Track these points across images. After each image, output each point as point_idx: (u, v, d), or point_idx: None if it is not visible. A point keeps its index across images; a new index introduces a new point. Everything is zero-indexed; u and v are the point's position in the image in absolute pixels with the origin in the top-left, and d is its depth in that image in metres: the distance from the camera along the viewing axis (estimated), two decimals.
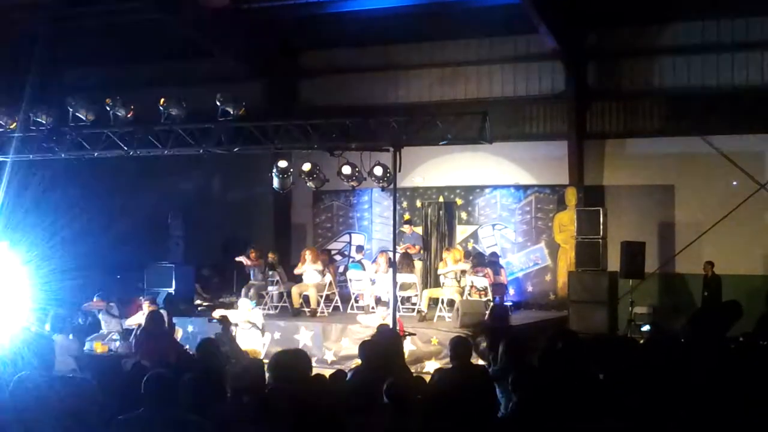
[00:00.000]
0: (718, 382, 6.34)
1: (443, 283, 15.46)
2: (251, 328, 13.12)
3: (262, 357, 12.33)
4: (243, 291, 16.10)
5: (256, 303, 15.05)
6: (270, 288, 16.54)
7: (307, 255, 16.14)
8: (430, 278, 17.34)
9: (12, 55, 19.06)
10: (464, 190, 18.46)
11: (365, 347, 8.01)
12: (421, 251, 17.27)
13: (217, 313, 12.85)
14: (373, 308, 15.11)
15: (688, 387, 6.22)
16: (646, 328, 15.47)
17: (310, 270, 15.93)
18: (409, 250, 16.36)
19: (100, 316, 14.57)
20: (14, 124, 14.41)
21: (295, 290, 15.94)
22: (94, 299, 14.80)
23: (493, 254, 17.16)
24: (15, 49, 19.08)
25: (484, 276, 15.46)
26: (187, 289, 17.22)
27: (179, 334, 14.01)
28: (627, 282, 16.30)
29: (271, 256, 16.95)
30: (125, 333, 13.97)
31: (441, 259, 16.35)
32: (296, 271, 16.26)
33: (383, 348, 7.43)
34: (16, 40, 18.94)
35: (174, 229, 17.52)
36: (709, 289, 16.47)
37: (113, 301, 14.89)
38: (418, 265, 16.55)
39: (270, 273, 16.63)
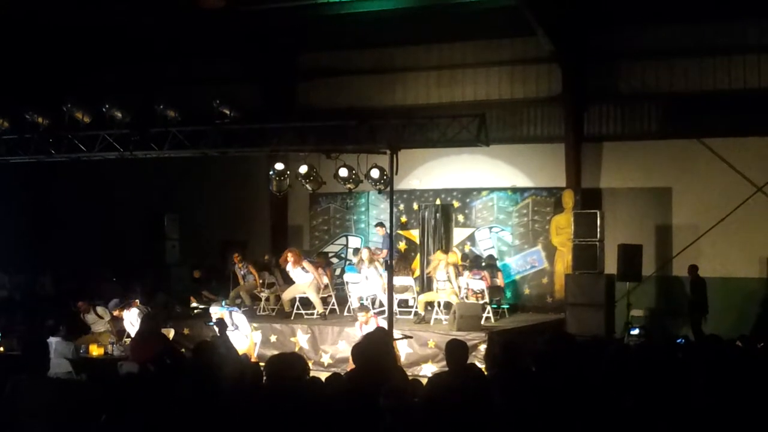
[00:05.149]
0: (715, 385, 6.32)
1: (437, 288, 15.37)
2: (234, 330, 13.02)
3: (255, 359, 12.30)
4: (231, 294, 16.14)
5: (242, 306, 14.94)
6: (266, 291, 16.49)
7: (289, 257, 15.86)
8: (424, 282, 17.23)
9: (9, 56, 19.05)
10: (461, 192, 18.44)
11: (355, 352, 7.97)
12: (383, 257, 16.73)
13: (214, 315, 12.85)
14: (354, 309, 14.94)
15: (685, 390, 6.20)
16: (635, 331, 15.48)
17: (295, 272, 15.72)
18: (376, 255, 16.19)
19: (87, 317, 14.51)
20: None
21: (286, 294, 15.79)
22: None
23: (490, 257, 17.14)
24: (12, 50, 19.07)
25: (481, 279, 15.43)
26: (183, 291, 17.19)
27: (170, 334, 13.99)
28: (624, 285, 16.29)
29: (266, 258, 16.87)
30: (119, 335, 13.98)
31: (433, 260, 16.05)
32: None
33: (373, 352, 7.38)
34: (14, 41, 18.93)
35: (170, 231, 17.50)
36: (695, 293, 16.43)
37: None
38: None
39: (266, 275, 16.57)
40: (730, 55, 17.02)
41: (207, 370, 7.30)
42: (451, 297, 14.91)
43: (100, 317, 14.33)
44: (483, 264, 16.58)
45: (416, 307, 15.45)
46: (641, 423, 5.59)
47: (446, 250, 16.74)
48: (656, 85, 17.64)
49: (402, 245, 18.20)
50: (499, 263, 17.20)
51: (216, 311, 13.24)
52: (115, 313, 13.90)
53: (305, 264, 15.61)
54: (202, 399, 6.32)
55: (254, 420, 5.64)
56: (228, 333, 12.86)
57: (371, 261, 15.43)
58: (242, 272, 16.61)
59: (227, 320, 13.00)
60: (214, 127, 13.59)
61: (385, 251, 16.08)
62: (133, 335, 13.39)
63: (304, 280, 15.56)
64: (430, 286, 16.02)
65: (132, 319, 13.59)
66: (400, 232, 18.36)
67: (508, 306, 16.77)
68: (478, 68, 18.85)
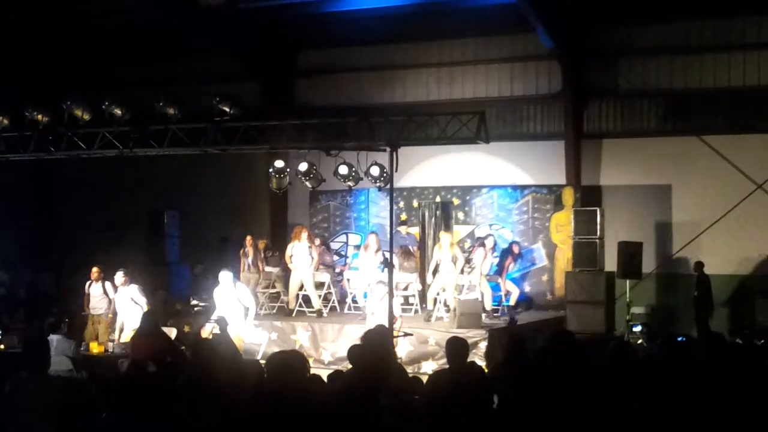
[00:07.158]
0: (718, 382, 6.33)
1: (439, 269, 15.12)
2: (234, 304, 12.84)
3: (259, 357, 12.29)
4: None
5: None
6: (267, 268, 16.33)
7: (303, 232, 15.59)
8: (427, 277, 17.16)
9: (9, 54, 19.06)
10: (461, 190, 18.44)
11: (352, 352, 7.98)
12: (415, 256, 16.72)
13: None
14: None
15: (686, 387, 6.20)
16: (638, 328, 15.49)
17: (301, 249, 15.55)
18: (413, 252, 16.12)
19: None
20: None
21: (291, 291, 15.74)
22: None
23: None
24: (12, 48, 19.08)
25: (480, 248, 15.26)
26: (183, 289, 17.18)
27: (172, 334, 13.96)
28: (624, 282, 16.28)
29: (261, 243, 16.64)
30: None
31: (437, 242, 15.74)
32: (287, 252, 15.72)
33: (371, 352, 7.37)
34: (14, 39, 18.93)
35: (170, 228, 17.49)
36: (700, 289, 16.42)
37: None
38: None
39: (263, 258, 16.39)
40: (729, 52, 17.02)
41: (206, 368, 7.30)
42: (449, 278, 14.72)
43: (106, 293, 14.13)
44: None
45: (419, 304, 15.41)
46: (642, 420, 5.60)
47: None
48: (656, 82, 17.63)
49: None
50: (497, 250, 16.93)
51: (226, 277, 13.07)
52: (119, 283, 13.65)
53: (314, 247, 15.58)
54: (202, 396, 6.32)
55: (255, 418, 5.64)
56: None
57: (377, 251, 15.28)
58: (249, 259, 16.36)
59: (220, 294, 12.87)
60: (213, 125, 13.57)
61: (417, 251, 16.11)
62: (124, 309, 13.37)
63: (304, 262, 15.39)
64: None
65: (132, 294, 13.46)
66: (400, 229, 18.33)
67: (508, 303, 16.76)
68: (477, 65, 18.85)
